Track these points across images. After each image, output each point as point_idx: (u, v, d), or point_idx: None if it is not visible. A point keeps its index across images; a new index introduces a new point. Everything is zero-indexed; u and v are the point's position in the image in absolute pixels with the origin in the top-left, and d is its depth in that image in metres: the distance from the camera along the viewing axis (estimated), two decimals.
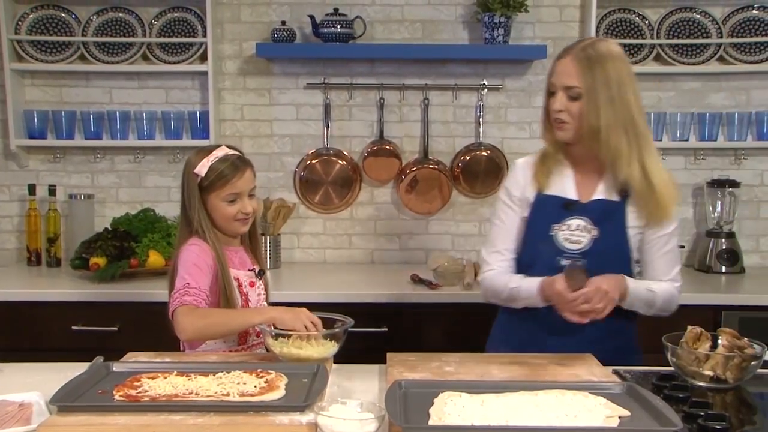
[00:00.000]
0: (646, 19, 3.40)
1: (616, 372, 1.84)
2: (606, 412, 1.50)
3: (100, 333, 2.84)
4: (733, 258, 3.32)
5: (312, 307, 2.06)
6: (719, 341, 1.82)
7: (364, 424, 1.41)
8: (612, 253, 2.01)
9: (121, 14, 3.41)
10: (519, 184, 2.13)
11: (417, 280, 3.06)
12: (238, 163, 2.09)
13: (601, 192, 2.05)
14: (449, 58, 3.42)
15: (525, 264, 2.11)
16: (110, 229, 3.22)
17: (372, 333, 2.77)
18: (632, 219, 2.04)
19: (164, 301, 2.03)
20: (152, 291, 2.77)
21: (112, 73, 3.42)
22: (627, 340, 2.13)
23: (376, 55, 3.40)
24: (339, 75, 3.44)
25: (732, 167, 3.48)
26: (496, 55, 3.36)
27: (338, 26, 3.28)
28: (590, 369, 1.86)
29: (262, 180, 3.41)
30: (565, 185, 2.08)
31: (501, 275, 2.11)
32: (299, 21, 3.40)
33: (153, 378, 1.66)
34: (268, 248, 3.29)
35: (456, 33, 3.44)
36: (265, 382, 1.63)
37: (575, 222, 2.03)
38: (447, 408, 1.51)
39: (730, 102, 3.46)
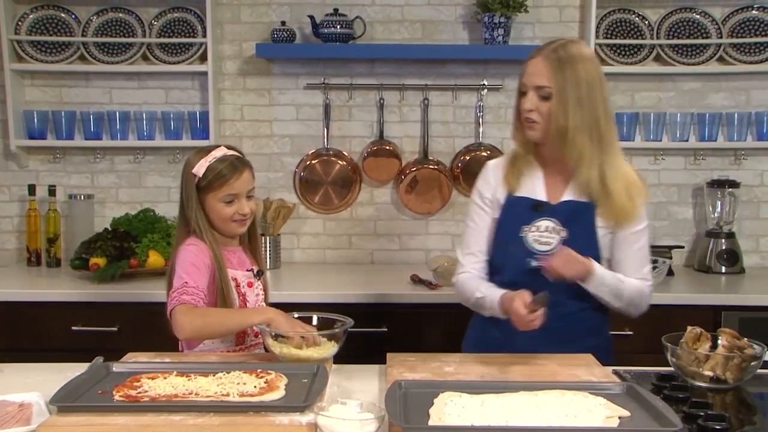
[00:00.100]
0: (646, 20, 3.40)
1: (616, 372, 1.84)
2: (606, 412, 1.50)
3: (100, 333, 2.84)
4: (733, 258, 3.32)
5: (312, 307, 2.07)
6: (719, 341, 1.82)
7: (364, 424, 1.41)
8: (581, 254, 2.01)
9: (121, 14, 3.41)
10: (490, 185, 2.15)
11: (417, 280, 3.06)
12: (236, 164, 2.08)
13: (570, 193, 2.06)
14: (449, 58, 3.42)
15: (496, 265, 2.13)
16: (110, 229, 3.22)
17: (372, 333, 2.77)
18: (601, 220, 2.04)
19: (164, 302, 2.02)
20: (152, 291, 2.77)
21: (112, 74, 3.42)
22: (601, 340, 2.14)
23: (376, 56, 3.40)
24: (339, 75, 3.45)
25: (732, 167, 3.48)
26: (496, 55, 3.36)
27: (338, 26, 3.28)
28: (590, 369, 1.86)
29: (262, 180, 3.41)
30: (535, 187, 2.10)
31: (471, 280, 2.12)
32: (299, 21, 3.41)
33: (153, 378, 1.66)
34: (268, 248, 3.29)
35: (456, 33, 3.44)
36: (265, 383, 1.63)
37: (544, 223, 2.04)
38: (447, 408, 1.51)
39: (730, 102, 3.46)
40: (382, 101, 3.45)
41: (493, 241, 2.13)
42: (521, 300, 1.87)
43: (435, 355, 1.98)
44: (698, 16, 3.40)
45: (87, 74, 3.44)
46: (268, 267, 3.24)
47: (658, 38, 3.38)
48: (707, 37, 3.38)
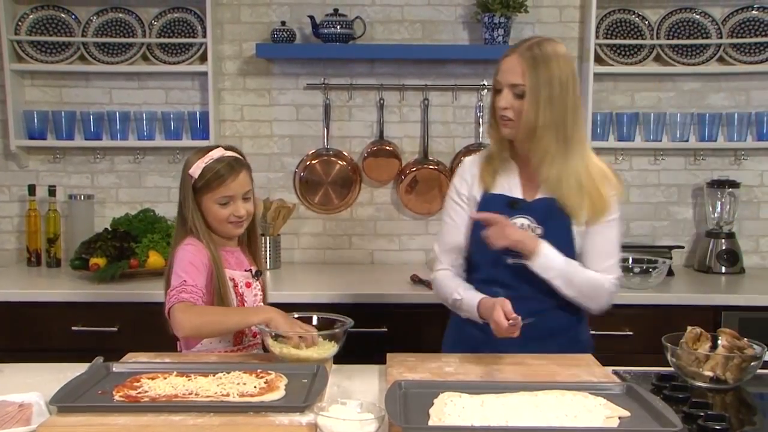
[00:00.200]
0: (646, 20, 3.40)
1: (615, 372, 1.84)
2: (606, 412, 1.50)
3: (100, 333, 2.84)
4: (733, 258, 3.32)
5: (312, 307, 2.07)
6: (719, 342, 1.82)
7: (364, 424, 1.41)
8: (558, 250, 2.01)
9: (121, 15, 3.41)
10: (466, 182, 2.15)
11: (417, 280, 3.06)
12: (232, 166, 2.06)
13: (545, 191, 2.06)
14: (449, 58, 3.42)
15: (474, 262, 2.14)
16: (110, 229, 3.22)
17: (372, 333, 2.77)
18: (574, 217, 2.04)
19: (163, 302, 2.03)
20: (152, 291, 2.76)
21: (112, 74, 3.42)
22: (577, 333, 2.14)
23: (376, 56, 3.40)
24: (339, 75, 3.45)
25: (732, 168, 3.48)
26: (496, 55, 3.25)
27: (338, 27, 3.28)
28: (590, 369, 1.86)
29: (262, 180, 3.41)
30: (511, 184, 2.10)
31: (450, 280, 2.13)
32: (299, 21, 3.41)
33: (153, 378, 1.66)
34: (267, 248, 3.29)
35: (456, 33, 3.44)
36: (265, 383, 1.63)
37: (519, 221, 2.05)
38: (447, 408, 1.51)
39: (730, 102, 3.47)
40: (382, 101, 3.45)
41: (469, 239, 2.14)
42: (501, 309, 1.87)
43: (435, 355, 1.99)
44: (698, 17, 3.40)
45: (87, 74, 3.44)
46: (267, 267, 3.25)
47: (658, 38, 3.38)
48: (707, 38, 3.38)
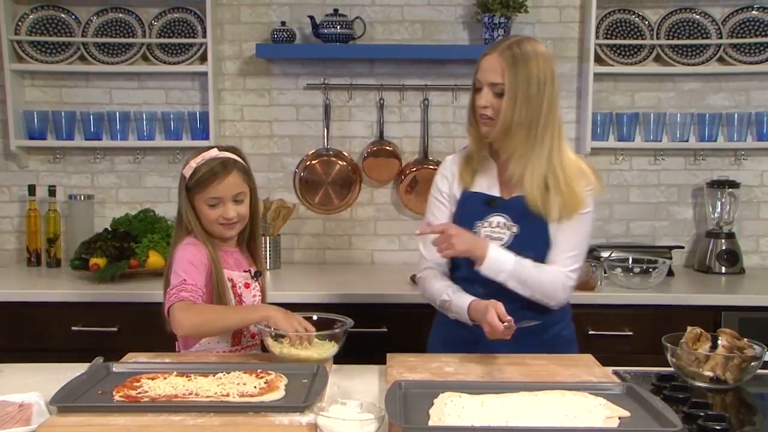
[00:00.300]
0: (646, 20, 3.40)
1: (615, 372, 1.84)
2: (606, 412, 1.50)
3: (100, 333, 2.84)
4: (733, 258, 3.32)
5: (312, 307, 2.07)
6: (719, 342, 1.82)
7: (364, 424, 1.41)
8: (532, 249, 2.02)
9: (121, 15, 3.41)
10: (447, 180, 2.17)
11: (417, 280, 3.05)
12: (221, 168, 2.04)
13: (522, 188, 2.06)
14: (449, 58, 3.42)
15: (454, 261, 2.15)
16: (110, 229, 3.22)
17: (372, 333, 2.77)
18: (549, 214, 2.04)
19: (163, 302, 2.02)
20: (152, 291, 2.76)
21: (112, 74, 3.42)
22: (561, 328, 2.14)
23: (376, 56, 3.40)
24: (339, 75, 3.45)
25: (732, 168, 3.48)
26: None
27: (338, 27, 3.28)
28: (590, 369, 1.86)
29: (262, 180, 3.41)
30: (489, 182, 2.11)
31: (437, 280, 2.13)
32: (299, 22, 3.41)
33: (153, 378, 1.66)
34: (267, 248, 3.29)
35: (456, 33, 3.44)
36: (265, 383, 1.63)
37: (496, 219, 2.06)
38: (447, 408, 1.51)
39: (730, 102, 3.47)
40: (382, 101, 3.45)
41: None
42: (495, 311, 1.87)
43: (435, 355, 1.99)
44: (698, 17, 3.40)
45: (87, 74, 3.44)
46: (268, 267, 3.24)
47: (658, 38, 3.38)
48: (707, 38, 3.38)
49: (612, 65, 3.37)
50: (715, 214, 3.38)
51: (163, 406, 1.52)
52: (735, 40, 3.36)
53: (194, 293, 1.95)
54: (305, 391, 1.60)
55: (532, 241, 2.02)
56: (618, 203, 3.51)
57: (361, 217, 3.52)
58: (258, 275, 2.19)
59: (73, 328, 2.83)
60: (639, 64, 3.38)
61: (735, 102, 3.46)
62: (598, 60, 3.34)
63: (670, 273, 3.14)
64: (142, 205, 3.44)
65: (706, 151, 3.46)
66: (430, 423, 1.45)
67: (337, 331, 1.91)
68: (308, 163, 3.47)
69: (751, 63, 3.37)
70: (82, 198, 3.43)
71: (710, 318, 2.83)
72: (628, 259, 3.07)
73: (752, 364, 1.76)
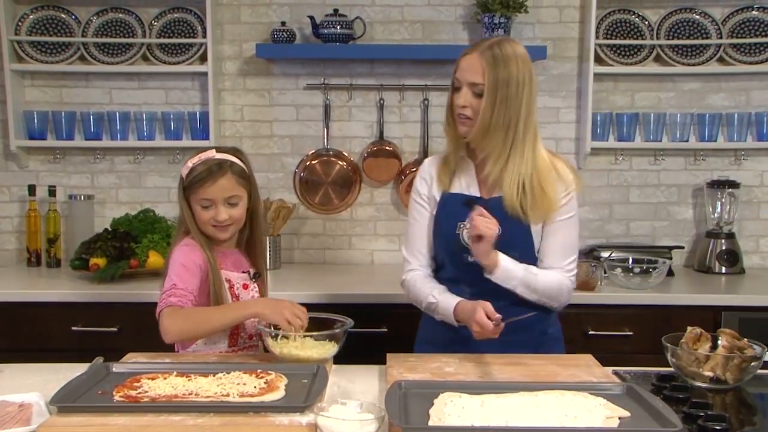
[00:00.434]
0: (646, 20, 3.40)
1: (616, 372, 1.84)
2: (606, 412, 1.50)
3: (100, 333, 2.84)
4: (733, 259, 3.32)
5: (312, 307, 2.06)
6: (719, 342, 1.82)
7: (364, 424, 1.41)
8: (515, 248, 2.02)
9: (121, 15, 3.41)
10: (426, 182, 2.17)
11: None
12: (213, 170, 2.02)
13: (501, 190, 2.06)
14: (449, 58, 3.37)
15: (438, 262, 2.16)
16: (110, 229, 3.22)
17: (372, 333, 2.77)
18: (531, 214, 2.05)
19: None
20: (152, 291, 2.74)
21: (112, 74, 3.42)
22: (547, 326, 2.15)
23: (376, 56, 3.40)
24: (339, 76, 3.45)
25: (732, 168, 3.48)
26: None
27: (338, 27, 3.28)
28: (590, 369, 1.86)
29: (262, 180, 3.41)
30: (469, 183, 2.12)
31: (422, 282, 2.14)
32: (299, 22, 3.41)
33: (153, 379, 1.66)
34: (267, 248, 3.29)
35: (456, 33, 3.44)
36: (265, 383, 1.64)
37: None
38: (447, 409, 1.51)
39: (730, 102, 3.47)
40: (382, 101, 3.45)
41: (433, 238, 2.15)
42: (484, 311, 1.88)
43: (435, 355, 1.99)
44: (698, 17, 3.40)
45: (87, 74, 3.44)
46: (268, 267, 3.23)
47: (658, 39, 3.38)
48: (707, 38, 3.38)
49: (612, 65, 3.37)
50: (715, 214, 3.38)
51: (163, 406, 1.52)
52: (735, 40, 3.36)
53: (183, 298, 1.94)
54: (305, 391, 1.61)
55: (514, 242, 2.02)
56: (618, 203, 3.51)
57: (361, 217, 3.52)
58: (257, 277, 2.18)
59: (73, 328, 2.83)
60: (639, 64, 3.38)
61: (735, 102, 3.46)
62: (598, 60, 3.34)
63: (670, 273, 3.14)
64: (142, 205, 3.44)
65: (706, 151, 3.46)
66: (430, 423, 1.45)
67: (337, 331, 1.91)
68: (308, 163, 3.47)
69: (751, 63, 3.37)
70: (82, 198, 3.43)
71: (710, 318, 2.83)
72: (628, 259, 3.07)
73: (752, 364, 1.76)
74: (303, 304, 1.96)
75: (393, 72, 3.45)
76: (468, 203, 2.07)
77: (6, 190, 3.50)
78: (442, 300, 2.06)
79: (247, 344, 2.11)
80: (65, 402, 1.52)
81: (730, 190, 3.35)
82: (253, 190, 2.13)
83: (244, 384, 1.62)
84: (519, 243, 2.04)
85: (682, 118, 3.39)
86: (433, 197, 2.15)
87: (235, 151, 2.12)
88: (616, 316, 2.89)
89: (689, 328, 1.86)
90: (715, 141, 3.41)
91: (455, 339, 2.05)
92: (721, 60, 3.38)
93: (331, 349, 1.89)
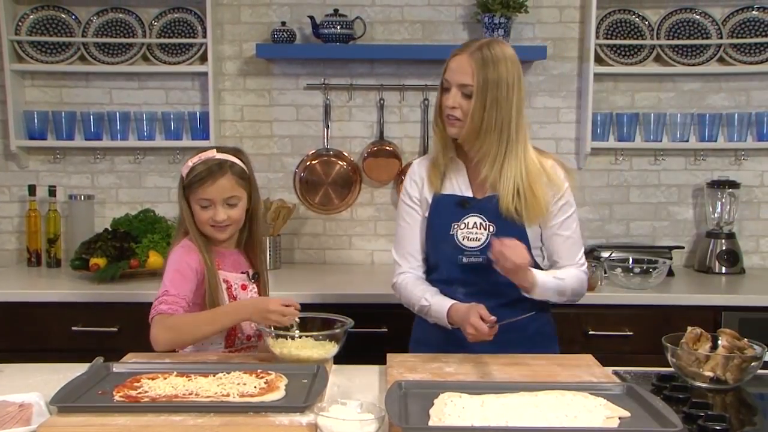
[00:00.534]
0: (646, 20, 3.40)
1: (616, 372, 1.84)
2: (606, 412, 1.50)
3: (100, 334, 2.84)
4: (733, 259, 3.32)
5: (312, 307, 2.07)
6: (719, 342, 1.82)
7: (364, 424, 1.41)
8: None
9: (121, 15, 3.41)
10: (417, 184, 2.17)
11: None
12: (212, 170, 2.02)
13: (496, 190, 2.06)
14: None
15: (431, 263, 2.16)
16: (110, 229, 3.22)
17: (372, 333, 2.77)
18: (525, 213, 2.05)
19: None
20: (152, 292, 2.71)
21: (112, 74, 3.42)
22: (541, 324, 2.15)
23: (376, 56, 3.40)
24: (339, 76, 3.45)
25: (732, 168, 3.48)
26: None
27: (338, 27, 3.28)
28: (590, 369, 1.86)
29: (262, 180, 3.41)
30: (460, 183, 2.11)
31: (415, 285, 2.13)
32: (299, 22, 3.41)
33: (153, 379, 1.66)
34: (267, 249, 3.29)
35: (456, 34, 3.44)
36: (265, 383, 1.64)
37: (472, 219, 2.06)
38: (447, 409, 1.51)
39: (730, 103, 3.46)
40: (382, 101, 3.45)
41: (425, 240, 2.15)
42: (478, 314, 1.88)
43: (435, 355, 1.99)
44: (698, 17, 3.40)
45: (87, 75, 3.44)
46: (268, 267, 3.23)
47: (658, 39, 3.38)
48: (707, 38, 3.38)
49: (612, 65, 3.37)
50: (715, 214, 3.38)
51: (163, 406, 1.52)
52: (735, 40, 3.36)
53: (174, 305, 1.94)
54: (305, 391, 1.61)
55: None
56: (618, 203, 3.51)
57: (361, 217, 3.52)
58: (255, 277, 2.17)
59: (73, 328, 2.83)
60: (639, 64, 3.38)
61: (735, 102, 3.46)
62: (598, 60, 3.34)
63: (671, 273, 3.14)
64: (142, 205, 3.44)
65: (706, 151, 3.46)
66: (430, 423, 1.46)
67: (337, 331, 1.91)
68: (308, 163, 3.47)
69: (751, 63, 3.37)
70: (82, 198, 3.43)
71: (710, 318, 2.83)
72: (629, 259, 3.07)
73: (752, 364, 1.76)
74: (303, 304, 1.96)
75: (393, 72, 3.45)
76: (462, 204, 2.07)
77: (6, 190, 3.50)
78: (435, 303, 2.06)
79: (244, 345, 2.11)
80: (65, 402, 1.52)
81: (730, 190, 3.35)
82: (253, 190, 2.12)
83: (244, 384, 1.62)
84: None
85: (682, 118, 3.39)
86: (425, 199, 2.14)
87: (236, 152, 2.12)
88: (616, 316, 2.89)
89: (689, 328, 1.86)
90: (716, 141, 3.41)
91: (448, 339, 2.05)
92: (721, 60, 3.38)
93: (331, 349, 1.89)
